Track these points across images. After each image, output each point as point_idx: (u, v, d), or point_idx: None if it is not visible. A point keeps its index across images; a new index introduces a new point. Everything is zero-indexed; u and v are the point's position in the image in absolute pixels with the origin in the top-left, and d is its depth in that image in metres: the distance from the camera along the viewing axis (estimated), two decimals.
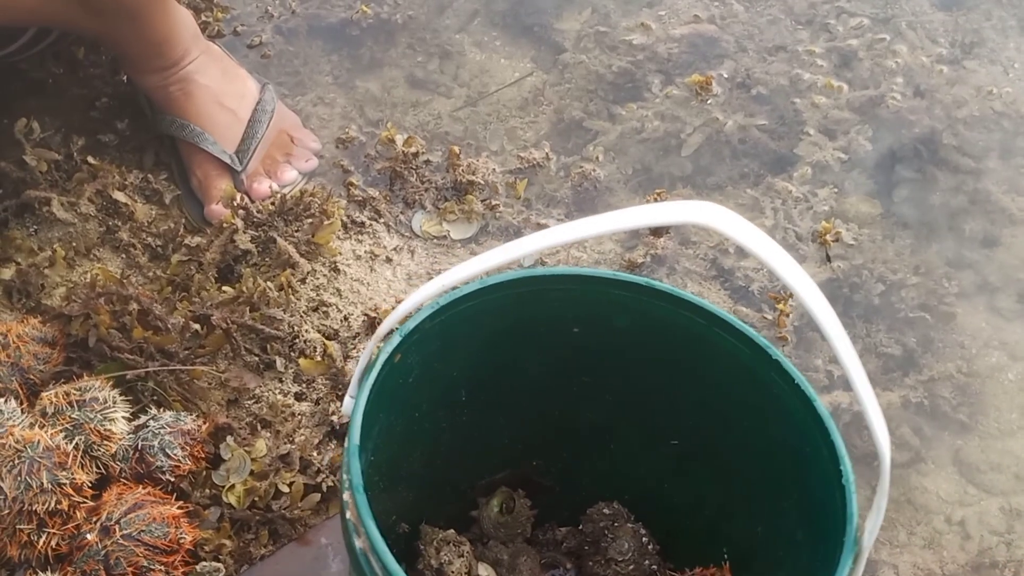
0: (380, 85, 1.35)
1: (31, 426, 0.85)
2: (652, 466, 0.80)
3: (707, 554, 0.76)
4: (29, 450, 0.80)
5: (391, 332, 0.64)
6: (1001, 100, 1.35)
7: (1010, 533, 1.02)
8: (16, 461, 0.80)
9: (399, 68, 1.37)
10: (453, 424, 0.76)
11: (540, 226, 1.18)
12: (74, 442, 0.84)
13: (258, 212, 1.10)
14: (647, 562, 0.80)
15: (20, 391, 0.91)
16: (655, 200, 1.17)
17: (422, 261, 1.16)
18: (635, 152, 1.26)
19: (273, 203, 1.12)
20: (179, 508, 0.83)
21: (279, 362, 0.99)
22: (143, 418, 0.89)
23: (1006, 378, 1.13)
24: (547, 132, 1.30)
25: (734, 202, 1.19)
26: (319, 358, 1.01)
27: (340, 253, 1.12)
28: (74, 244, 1.12)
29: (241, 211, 1.10)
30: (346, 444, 0.60)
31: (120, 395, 0.90)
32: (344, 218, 1.16)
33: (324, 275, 1.10)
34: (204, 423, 0.90)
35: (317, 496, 0.88)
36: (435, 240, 1.18)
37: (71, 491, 0.80)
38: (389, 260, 1.14)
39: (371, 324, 1.05)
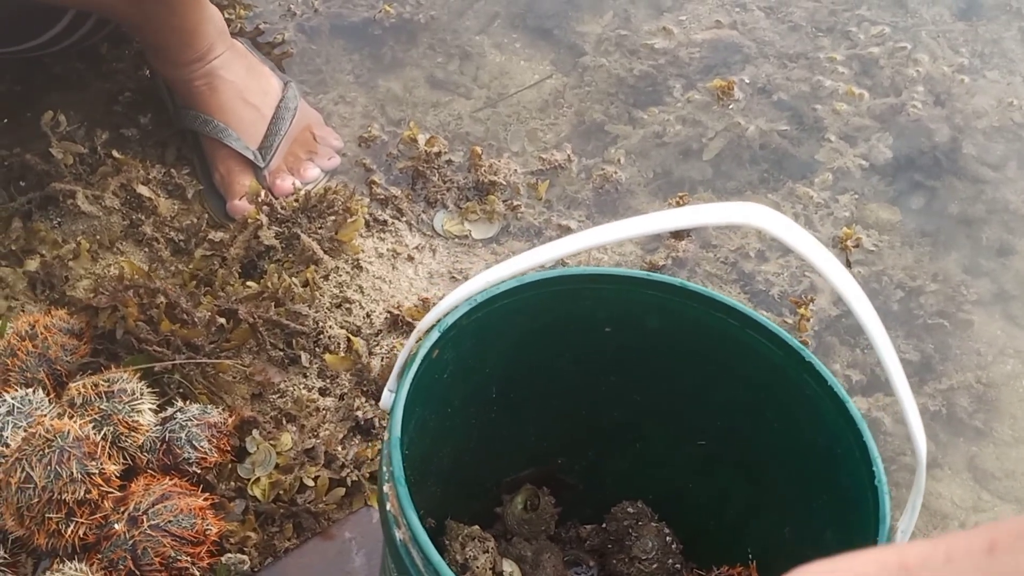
0: (401, 85, 1.35)
1: (59, 416, 0.86)
2: (678, 465, 0.80)
3: (731, 553, 0.77)
4: (59, 440, 0.80)
5: (431, 327, 0.64)
6: (1020, 111, 1.35)
7: None
8: (46, 450, 0.80)
9: (420, 68, 1.38)
10: (482, 421, 0.77)
11: (561, 227, 1.19)
12: (102, 432, 0.85)
13: (282, 208, 1.11)
14: (671, 561, 0.80)
15: (47, 381, 0.91)
16: (678, 204, 1.17)
17: (443, 260, 1.16)
18: (656, 156, 1.27)
19: (297, 200, 1.12)
20: (205, 500, 0.84)
21: (304, 357, 0.99)
22: (170, 410, 0.89)
23: (1021, 386, 1.14)
24: (568, 134, 1.31)
25: None
26: (343, 354, 1.01)
27: (363, 250, 1.13)
28: (98, 237, 1.12)
29: (265, 207, 1.11)
30: (386, 436, 0.61)
31: (147, 387, 0.90)
32: (367, 216, 1.17)
33: (347, 272, 1.10)
34: (230, 416, 0.90)
35: (342, 491, 0.88)
36: (456, 239, 1.18)
37: (100, 481, 0.80)
38: (411, 258, 1.15)
39: (394, 321, 1.05)
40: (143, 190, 1.15)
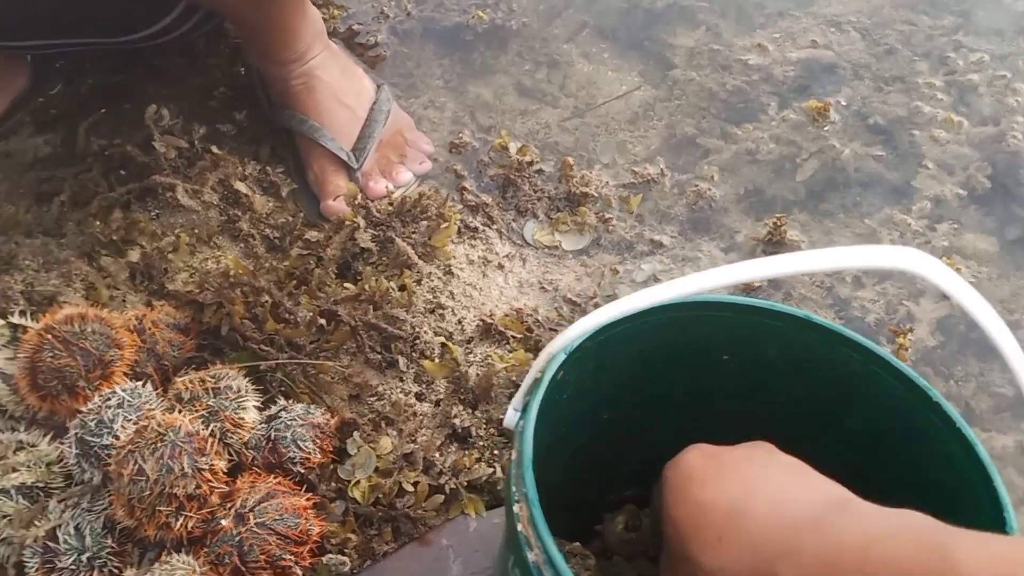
0: (491, 91, 1.36)
1: (168, 411, 0.87)
2: None
3: None
4: (171, 434, 0.82)
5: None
6: None
7: None
8: (158, 444, 0.82)
9: (508, 75, 1.38)
10: (592, 440, 0.77)
11: (653, 242, 1.19)
12: (210, 428, 0.86)
13: (377, 211, 1.12)
14: None
15: (155, 376, 0.93)
16: (775, 226, 1.16)
17: (533, 270, 1.16)
18: (747, 172, 1.26)
19: (391, 203, 1.13)
20: (308, 500, 0.85)
21: (401, 361, 1.00)
22: (274, 408, 0.91)
23: None
24: (658, 147, 1.30)
25: (852, 231, 1.18)
26: (437, 360, 1.02)
27: (454, 257, 1.14)
28: (196, 231, 1.14)
29: (362, 209, 1.12)
30: (516, 457, 0.61)
31: (250, 384, 0.92)
32: (458, 222, 1.17)
33: (439, 278, 1.11)
34: (331, 417, 0.91)
35: (440, 497, 0.89)
36: (546, 249, 1.19)
37: (210, 476, 0.82)
38: (501, 267, 1.15)
39: (486, 329, 1.06)
40: (240, 186, 1.17)
